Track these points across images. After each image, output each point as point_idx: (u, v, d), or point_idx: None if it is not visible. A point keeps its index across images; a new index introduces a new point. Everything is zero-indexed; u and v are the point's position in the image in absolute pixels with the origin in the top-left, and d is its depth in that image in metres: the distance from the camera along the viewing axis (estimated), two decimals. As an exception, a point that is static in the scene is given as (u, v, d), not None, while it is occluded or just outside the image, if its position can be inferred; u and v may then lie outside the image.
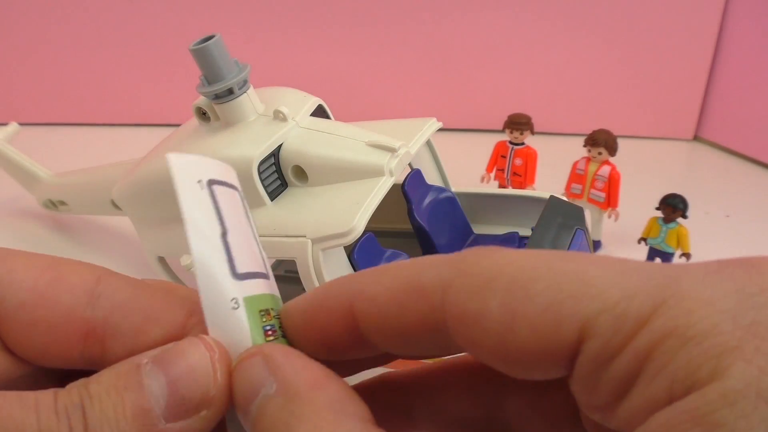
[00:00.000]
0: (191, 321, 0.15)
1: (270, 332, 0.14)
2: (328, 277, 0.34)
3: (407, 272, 0.13)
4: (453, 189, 0.45)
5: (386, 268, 0.14)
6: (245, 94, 0.37)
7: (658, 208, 0.49)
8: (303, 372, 0.13)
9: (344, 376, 0.14)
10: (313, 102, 0.40)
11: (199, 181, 0.13)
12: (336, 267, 0.35)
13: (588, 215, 0.49)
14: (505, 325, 0.12)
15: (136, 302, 0.14)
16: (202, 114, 0.38)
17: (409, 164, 0.41)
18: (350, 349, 0.14)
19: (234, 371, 0.13)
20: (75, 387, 0.13)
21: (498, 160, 0.60)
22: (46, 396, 0.13)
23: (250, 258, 0.14)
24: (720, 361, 0.10)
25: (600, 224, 0.55)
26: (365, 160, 0.35)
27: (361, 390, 0.14)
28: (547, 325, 0.11)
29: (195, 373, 0.13)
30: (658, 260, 0.51)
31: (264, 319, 0.14)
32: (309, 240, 0.33)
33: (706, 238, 0.53)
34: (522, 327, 0.12)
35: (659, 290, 0.11)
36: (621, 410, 0.11)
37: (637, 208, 0.53)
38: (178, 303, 0.15)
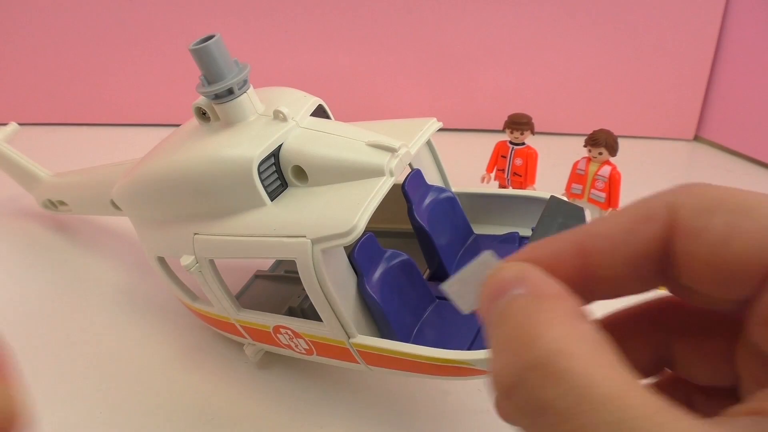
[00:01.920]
0: None
1: None
2: (328, 278, 0.33)
3: (633, 208, 0.16)
4: (453, 189, 0.45)
5: (609, 215, 0.16)
6: (245, 94, 0.37)
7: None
8: (549, 283, 0.15)
9: None
10: (313, 102, 0.40)
11: None
12: (336, 267, 0.35)
13: (589, 215, 0.48)
14: (723, 238, 0.14)
15: None
16: (202, 114, 0.38)
17: (410, 164, 0.41)
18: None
19: (490, 276, 0.16)
20: None
21: (498, 160, 0.59)
22: None
23: None
24: None
25: (600, 224, 0.55)
26: (365, 160, 0.35)
27: None
28: (762, 239, 0.13)
29: None
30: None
31: None
32: (309, 240, 0.33)
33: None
34: (738, 240, 0.14)
35: None
36: None
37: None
38: None
